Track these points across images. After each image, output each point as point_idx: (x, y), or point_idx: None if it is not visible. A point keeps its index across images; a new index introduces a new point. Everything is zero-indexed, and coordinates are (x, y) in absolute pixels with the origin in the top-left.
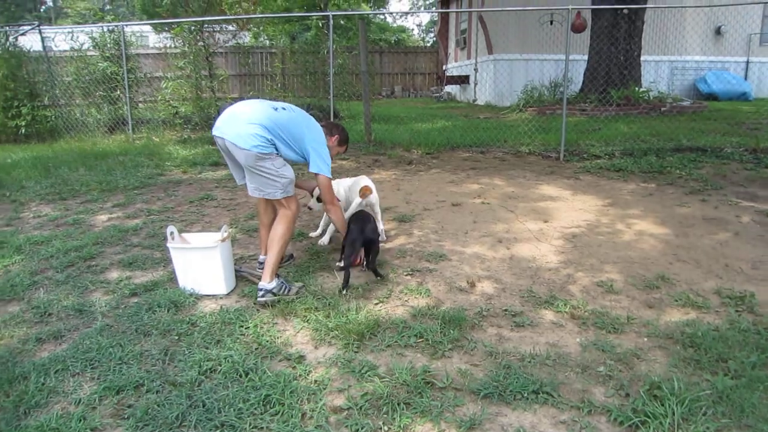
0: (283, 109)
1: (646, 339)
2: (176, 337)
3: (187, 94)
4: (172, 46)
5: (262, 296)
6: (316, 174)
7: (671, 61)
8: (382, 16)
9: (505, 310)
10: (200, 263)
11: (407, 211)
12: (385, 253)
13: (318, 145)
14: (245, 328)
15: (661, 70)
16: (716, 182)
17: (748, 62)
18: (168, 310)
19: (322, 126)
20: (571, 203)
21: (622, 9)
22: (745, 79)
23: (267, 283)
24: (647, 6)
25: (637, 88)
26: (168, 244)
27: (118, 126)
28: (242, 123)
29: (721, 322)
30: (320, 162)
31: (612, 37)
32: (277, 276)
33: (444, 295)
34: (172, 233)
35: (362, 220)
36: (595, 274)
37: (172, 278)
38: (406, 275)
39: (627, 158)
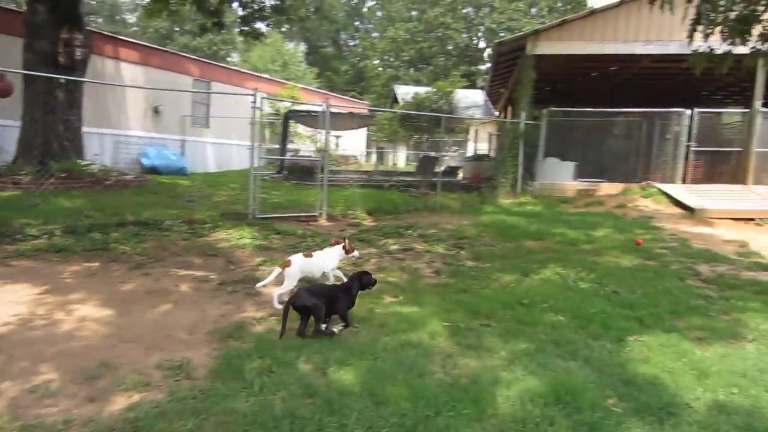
0: None
1: None
2: None
3: None
4: None
5: None
6: None
7: (115, 134)
8: None
9: None
10: None
11: None
12: None
13: None
14: None
15: (104, 142)
16: (158, 254)
17: (184, 140)
18: None
19: None
20: None
21: (59, 78)
22: (182, 155)
23: None
24: (85, 80)
25: (79, 161)
26: None
27: None
28: None
29: (162, 396)
30: None
31: (48, 106)
32: None
33: None
34: None
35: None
36: (27, 378)
37: None
38: None
39: (69, 237)
